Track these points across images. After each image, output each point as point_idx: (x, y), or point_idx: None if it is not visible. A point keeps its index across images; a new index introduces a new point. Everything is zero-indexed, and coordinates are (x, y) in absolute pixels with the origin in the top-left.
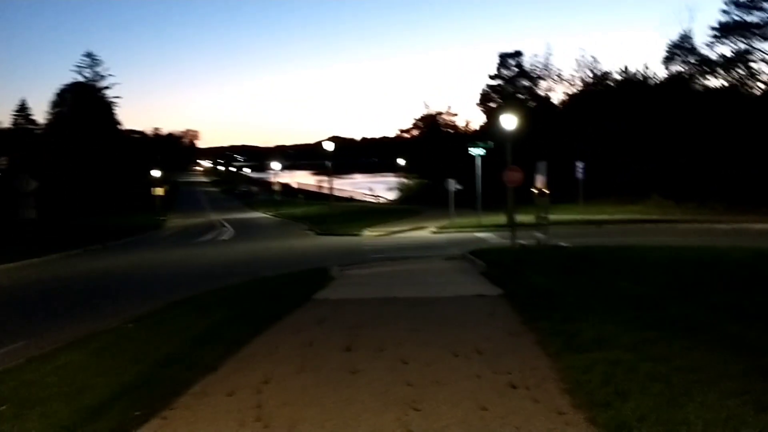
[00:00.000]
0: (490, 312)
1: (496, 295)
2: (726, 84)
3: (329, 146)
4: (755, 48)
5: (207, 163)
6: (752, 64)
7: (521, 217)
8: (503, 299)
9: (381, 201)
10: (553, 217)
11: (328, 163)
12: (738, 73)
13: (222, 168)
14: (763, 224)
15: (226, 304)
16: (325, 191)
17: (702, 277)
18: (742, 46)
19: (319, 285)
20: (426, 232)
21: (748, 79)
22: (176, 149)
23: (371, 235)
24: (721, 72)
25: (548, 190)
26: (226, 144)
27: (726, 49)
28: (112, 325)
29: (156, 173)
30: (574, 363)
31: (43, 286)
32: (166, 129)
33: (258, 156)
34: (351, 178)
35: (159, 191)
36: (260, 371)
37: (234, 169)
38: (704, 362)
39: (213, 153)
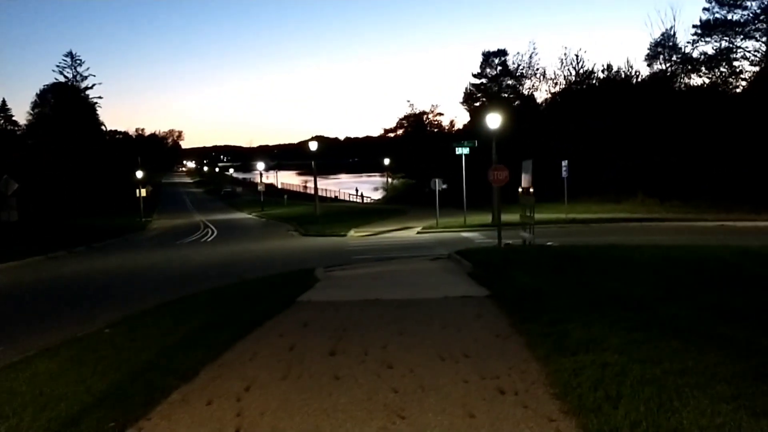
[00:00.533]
0: (477, 313)
1: (483, 296)
2: (708, 82)
3: (313, 146)
4: (737, 46)
5: (191, 164)
6: (735, 62)
7: (507, 217)
8: (490, 300)
9: (367, 201)
10: (538, 216)
11: (313, 163)
12: (720, 71)
13: (206, 168)
14: (747, 222)
15: (206, 308)
16: (310, 191)
17: (689, 277)
18: (725, 44)
19: (302, 287)
20: (412, 232)
21: (731, 77)
22: (160, 150)
23: (357, 235)
24: (704, 70)
25: (534, 188)
26: (210, 144)
27: (708, 48)
28: (89, 331)
29: (139, 174)
30: (563, 366)
31: (21, 289)
32: (149, 129)
33: (243, 156)
34: (337, 178)
35: (142, 192)
36: (241, 378)
37: (218, 170)
38: (695, 364)
39: (197, 153)
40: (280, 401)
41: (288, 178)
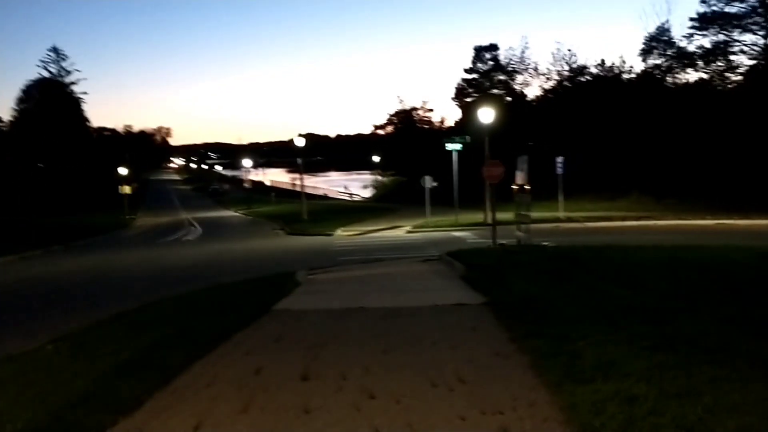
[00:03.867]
0: (473, 326)
1: (478, 303)
2: (705, 77)
3: (300, 142)
4: (735, 40)
5: (180, 161)
6: (732, 57)
7: (500, 215)
8: (486, 309)
9: (356, 199)
10: (533, 215)
11: (299, 160)
12: (717, 65)
13: (195, 165)
14: (746, 221)
15: (168, 318)
16: (299, 189)
17: (705, 283)
18: (722, 37)
19: (280, 292)
20: (401, 231)
21: (728, 72)
22: (148, 147)
23: (344, 234)
24: (700, 64)
25: (530, 185)
26: (199, 141)
27: (705, 41)
28: (30, 347)
29: (123, 171)
30: (580, 398)
31: None
32: (138, 126)
33: (231, 153)
34: (326, 176)
35: (126, 189)
36: (192, 411)
37: (207, 167)
38: (742, 399)
39: (186, 150)
40: None
41: (277, 176)
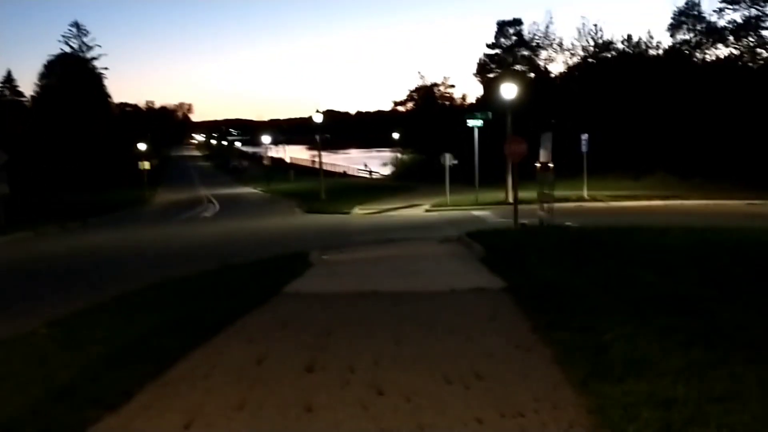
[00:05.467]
0: (492, 313)
1: (498, 288)
2: (735, 53)
3: (318, 118)
4: (767, 14)
5: (201, 137)
6: (764, 32)
7: (522, 194)
8: (506, 295)
9: (375, 176)
10: (556, 193)
11: (317, 137)
12: (748, 41)
13: (215, 142)
14: None
15: (171, 301)
16: (318, 166)
17: (739, 270)
18: (754, 12)
19: (292, 274)
20: (420, 210)
21: (759, 47)
22: (170, 123)
23: (361, 213)
24: (731, 40)
25: (553, 163)
26: (220, 118)
27: (736, 16)
28: (22, 331)
29: (142, 146)
30: (609, 400)
31: None
32: (159, 102)
33: (252, 130)
34: (347, 153)
35: (146, 165)
36: (184, 407)
37: (227, 144)
38: None
39: (207, 127)
40: None
41: (297, 153)
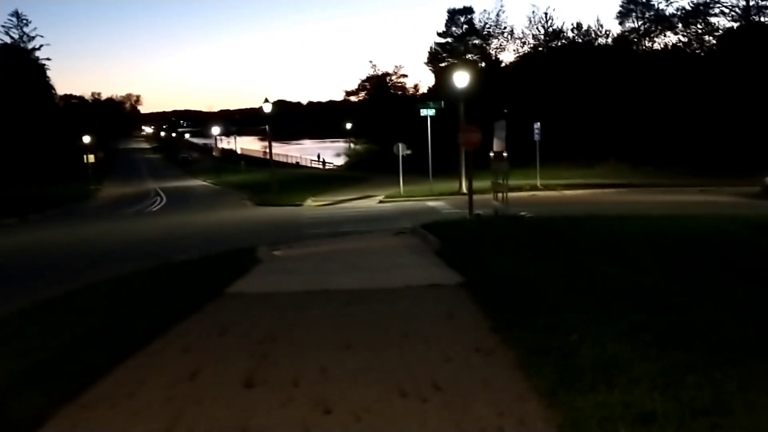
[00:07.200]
0: (449, 312)
1: (455, 284)
2: (683, 41)
3: (267, 107)
4: (716, 1)
5: (150, 129)
6: (712, 18)
7: (476, 184)
8: (464, 291)
9: (328, 167)
10: (509, 183)
11: (267, 127)
12: (696, 28)
13: (165, 134)
14: (733, 187)
15: (100, 307)
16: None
17: (702, 260)
18: None
19: (237, 272)
20: (373, 201)
21: (706, 35)
22: (117, 115)
23: (314, 205)
24: (679, 27)
25: (507, 153)
26: (169, 109)
27: (684, 2)
28: None
29: (86, 139)
30: (582, 414)
31: None
32: (106, 94)
33: (203, 121)
34: (299, 144)
35: (91, 158)
36: None
37: (177, 136)
38: None
39: (157, 118)
40: None
41: (249, 144)
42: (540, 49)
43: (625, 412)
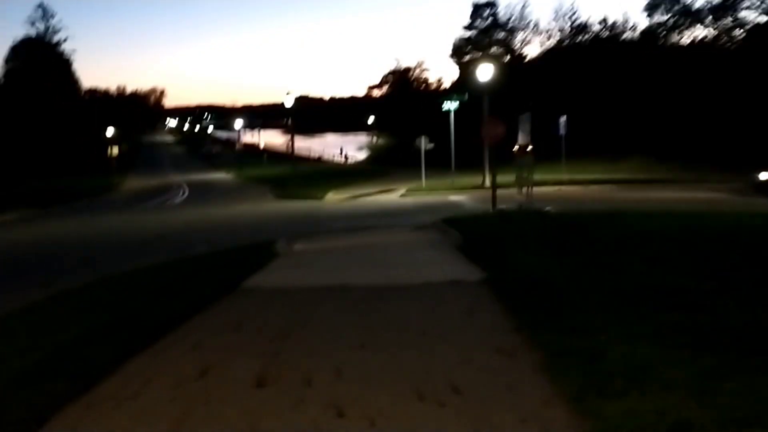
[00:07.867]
0: (469, 309)
1: (476, 281)
2: (710, 35)
3: (289, 102)
4: None
5: (174, 122)
6: (740, 13)
7: (499, 178)
8: (485, 288)
9: (350, 161)
10: (536, 177)
11: (289, 120)
12: (725, 22)
13: (188, 127)
14: None
15: (112, 301)
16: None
17: (733, 257)
18: None
19: (254, 266)
20: (395, 195)
21: (736, 29)
22: (142, 108)
23: (334, 199)
24: (707, 21)
25: (532, 147)
26: (194, 103)
27: None
28: None
29: (110, 132)
30: (612, 423)
31: None
32: (131, 87)
33: (226, 115)
34: (322, 138)
35: (114, 151)
36: None
37: (200, 129)
38: None
39: (181, 112)
40: None
41: (272, 138)
42: (565, 43)
43: (659, 421)
